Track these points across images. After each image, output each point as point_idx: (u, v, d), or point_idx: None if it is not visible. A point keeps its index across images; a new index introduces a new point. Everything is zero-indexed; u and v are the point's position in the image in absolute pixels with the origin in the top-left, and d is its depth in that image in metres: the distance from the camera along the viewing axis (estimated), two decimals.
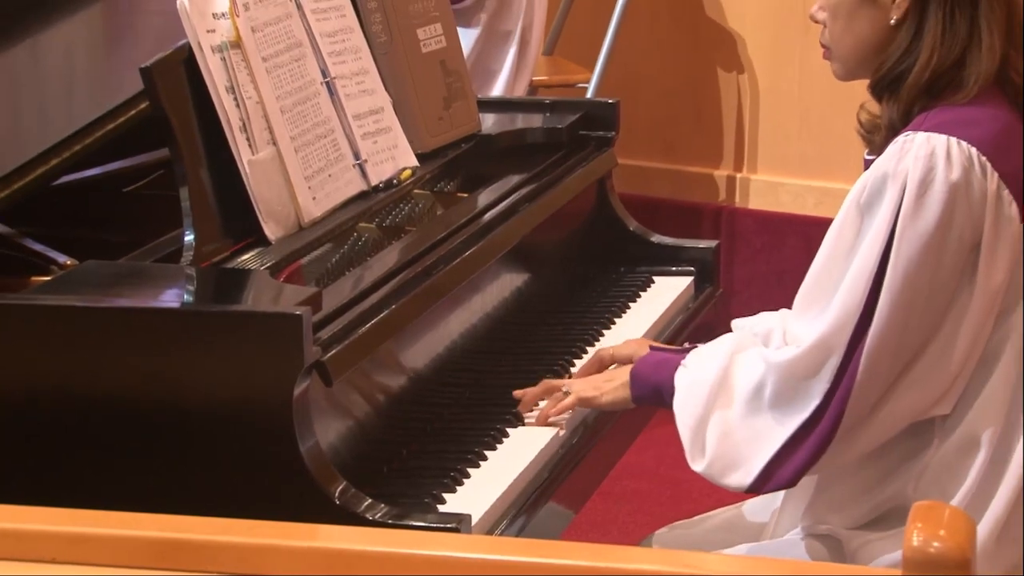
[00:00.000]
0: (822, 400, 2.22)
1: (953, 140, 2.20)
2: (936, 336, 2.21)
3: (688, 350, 2.40)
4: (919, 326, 2.20)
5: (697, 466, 2.30)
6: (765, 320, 2.46)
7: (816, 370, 2.22)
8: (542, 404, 2.49)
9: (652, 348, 2.49)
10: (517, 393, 2.50)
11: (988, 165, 2.20)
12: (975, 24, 2.24)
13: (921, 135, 2.21)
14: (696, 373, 2.33)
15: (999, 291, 2.22)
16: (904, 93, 2.26)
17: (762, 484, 2.27)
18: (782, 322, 2.41)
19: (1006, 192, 2.21)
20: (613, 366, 2.55)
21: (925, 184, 2.18)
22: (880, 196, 2.20)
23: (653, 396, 2.40)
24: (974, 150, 2.20)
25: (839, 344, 2.21)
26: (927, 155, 2.19)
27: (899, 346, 2.20)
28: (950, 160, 2.19)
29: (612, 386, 2.44)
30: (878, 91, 2.30)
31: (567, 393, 2.46)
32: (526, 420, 2.47)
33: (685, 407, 2.32)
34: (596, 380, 2.48)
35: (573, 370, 2.65)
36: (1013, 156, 2.23)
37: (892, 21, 2.27)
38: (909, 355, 2.21)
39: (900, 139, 2.23)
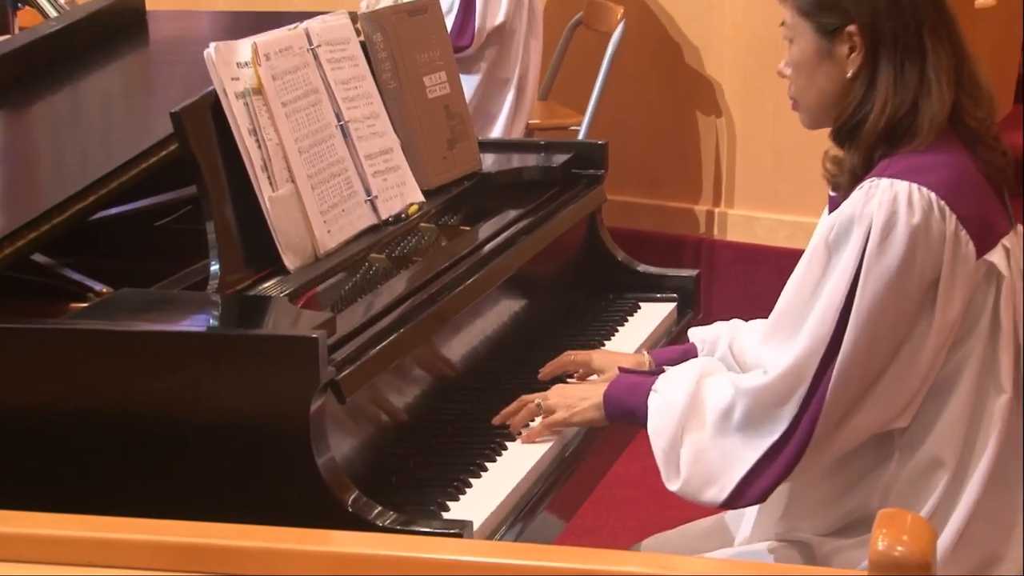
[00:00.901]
0: (790, 423, 2.21)
1: (915, 186, 2.19)
2: (896, 361, 2.20)
3: (657, 373, 2.39)
4: (882, 354, 2.19)
5: (673, 486, 2.29)
6: (715, 329, 2.49)
7: (786, 396, 2.21)
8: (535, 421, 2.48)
9: (622, 370, 2.48)
10: (499, 417, 2.49)
11: (947, 208, 2.19)
12: (924, 74, 2.24)
13: (885, 181, 2.20)
14: (666, 396, 2.32)
15: (955, 322, 2.21)
16: (863, 140, 2.25)
17: (736, 500, 2.26)
18: (729, 332, 2.45)
19: (963, 232, 2.19)
20: (577, 372, 2.62)
21: (889, 227, 2.17)
22: (847, 236, 2.19)
23: (627, 417, 2.39)
24: (934, 195, 2.19)
25: (808, 372, 2.20)
26: (890, 200, 2.18)
27: (863, 373, 2.20)
28: (911, 205, 2.18)
29: (584, 406, 2.43)
30: (839, 138, 2.30)
31: (540, 406, 2.46)
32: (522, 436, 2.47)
33: (658, 430, 2.30)
34: (569, 399, 2.46)
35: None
36: (970, 199, 2.22)
37: (849, 75, 2.27)
38: (872, 379, 2.21)
39: (866, 184, 2.21)
